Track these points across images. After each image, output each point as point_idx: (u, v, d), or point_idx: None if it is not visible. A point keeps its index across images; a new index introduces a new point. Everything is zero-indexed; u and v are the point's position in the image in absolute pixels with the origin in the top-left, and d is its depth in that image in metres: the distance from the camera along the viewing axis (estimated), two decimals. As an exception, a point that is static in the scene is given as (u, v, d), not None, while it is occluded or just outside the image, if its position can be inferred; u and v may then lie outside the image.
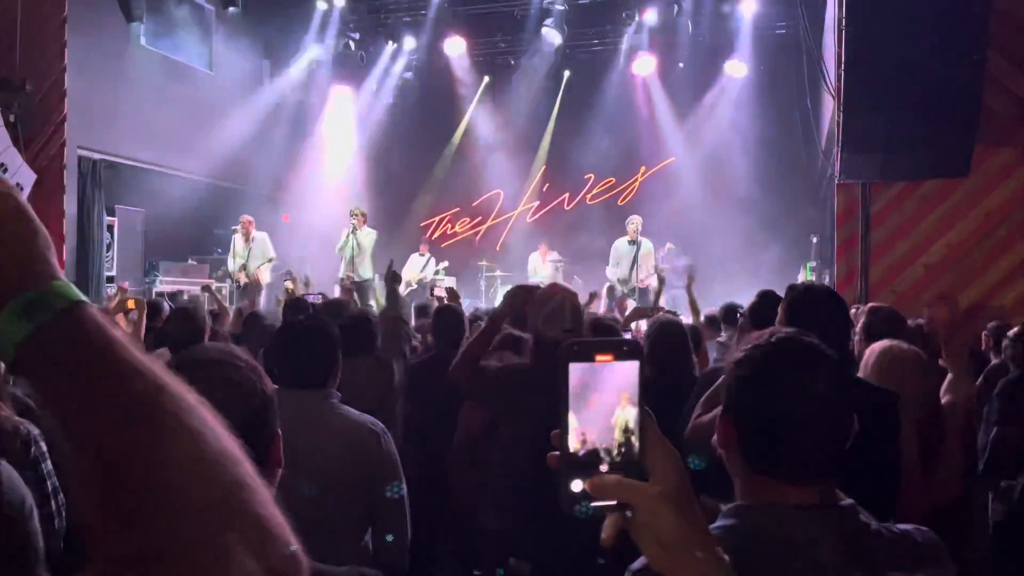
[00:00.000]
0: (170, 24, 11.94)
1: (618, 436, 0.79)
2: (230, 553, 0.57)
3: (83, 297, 0.64)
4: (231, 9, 11.76)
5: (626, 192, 14.04)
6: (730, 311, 5.67)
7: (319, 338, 2.74)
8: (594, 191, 14.26)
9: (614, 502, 0.78)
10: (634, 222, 10.74)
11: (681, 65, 13.12)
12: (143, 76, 11.15)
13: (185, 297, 9.96)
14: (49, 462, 2.58)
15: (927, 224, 7.22)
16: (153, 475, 0.58)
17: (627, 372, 0.80)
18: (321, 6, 13.28)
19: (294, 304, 5.61)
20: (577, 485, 0.78)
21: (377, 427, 2.71)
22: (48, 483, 2.55)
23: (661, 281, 7.33)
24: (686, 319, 5.42)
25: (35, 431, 2.56)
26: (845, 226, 7.55)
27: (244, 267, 10.58)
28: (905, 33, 6.10)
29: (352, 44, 13.80)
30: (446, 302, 5.47)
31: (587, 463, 0.79)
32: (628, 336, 4.17)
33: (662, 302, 6.71)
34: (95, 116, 10.07)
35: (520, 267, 12.84)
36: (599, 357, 0.79)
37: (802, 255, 10.72)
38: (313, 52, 13.75)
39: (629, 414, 0.79)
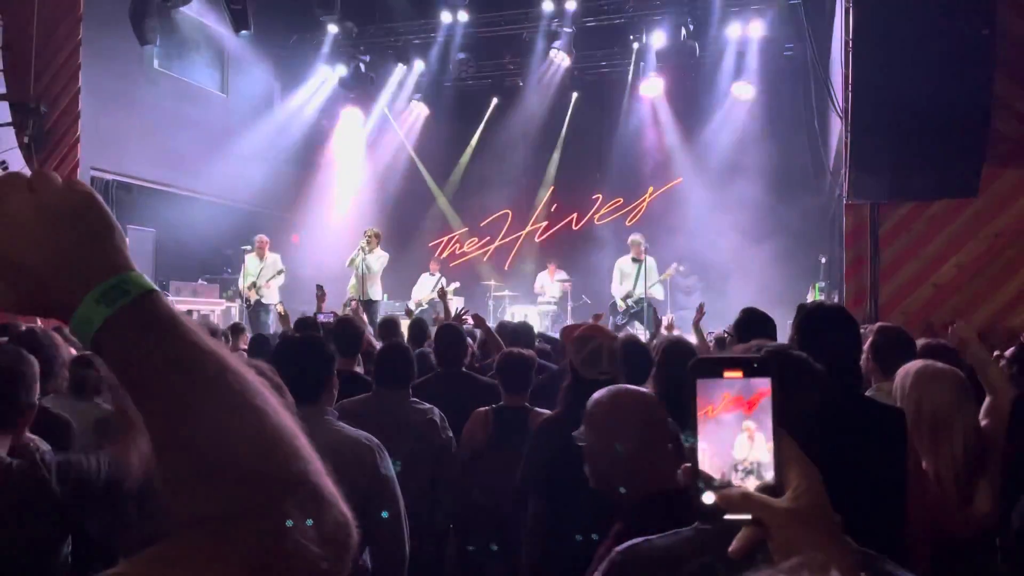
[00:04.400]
0: (183, 47, 12.10)
1: (751, 452, 0.79)
2: (288, 515, 0.64)
3: (156, 287, 0.70)
4: (243, 32, 11.90)
5: (634, 212, 14.06)
6: (721, 341, 5.69)
7: (313, 354, 2.77)
8: (602, 211, 14.29)
9: (748, 516, 0.78)
10: (638, 242, 10.74)
11: (689, 86, 13.19)
12: (156, 98, 11.28)
13: (195, 317, 9.98)
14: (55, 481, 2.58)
15: (936, 245, 7.20)
16: (218, 446, 0.65)
17: (758, 389, 0.80)
18: (332, 29, 13.43)
19: (302, 323, 5.63)
20: (709, 498, 0.79)
21: (372, 442, 2.72)
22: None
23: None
24: (693, 339, 5.44)
25: (44, 447, 2.52)
26: (854, 246, 7.53)
27: (254, 285, 10.63)
28: (912, 54, 6.12)
29: (362, 66, 13.93)
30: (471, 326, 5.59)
31: (718, 477, 0.79)
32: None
33: (667, 322, 6.76)
34: (108, 137, 10.18)
35: (528, 287, 12.86)
36: (728, 373, 0.80)
37: (811, 275, 10.69)
38: (324, 74, 13.90)
39: (761, 430, 0.80)
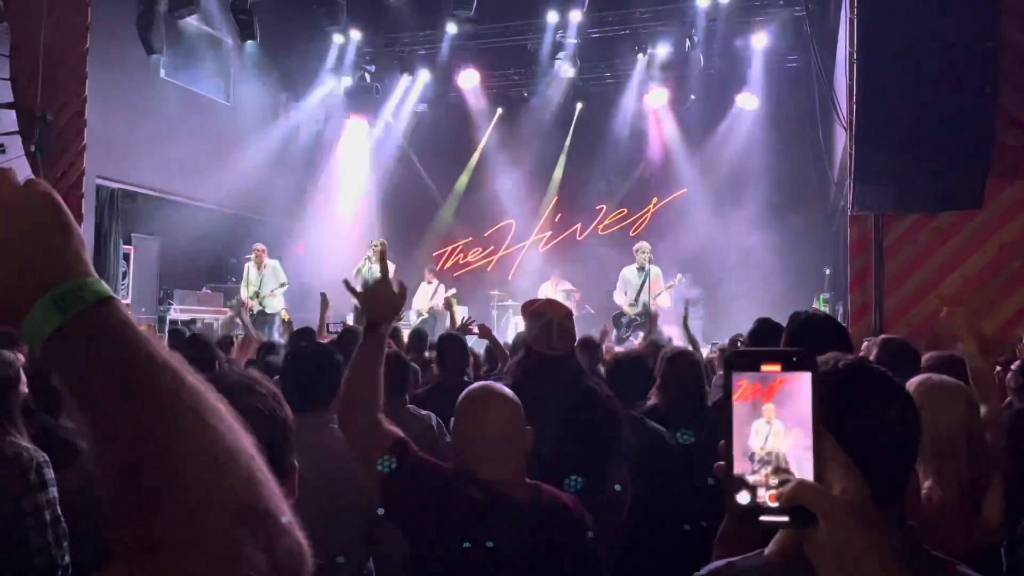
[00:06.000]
0: (189, 57, 12.15)
1: (788, 449, 0.75)
2: (239, 545, 0.60)
3: (113, 293, 0.66)
4: (249, 42, 11.96)
5: (638, 223, 14.07)
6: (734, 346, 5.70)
7: (323, 362, 2.80)
8: (606, 222, 14.30)
9: (784, 518, 0.74)
10: (644, 250, 10.72)
11: (693, 97, 13.21)
12: (162, 107, 11.32)
13: (198, 325, 10.01)
14: (54, 489, 2.52)
15: (941, 256, 7.19)
16: (168, 468, 0.61)
17: (797, 383, 0.76)
18: (337, 39, 13.50)
19: (302, 333, 5.66)
20: (744, 497, 0.75)
21: None
22: (47, 512, 2.48)
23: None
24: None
25: (41, 457, 2.51)
26: (858, 258, 7.52)
27: (256, 294, 10.65)
28: (917, 65, 6.12)
29: (367, 76, 13.99)
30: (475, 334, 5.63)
31: (754, 475, 0.75)
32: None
33: (672, 333, 6.79)
34: (114, 146, 10.21)
35: (531, 296, 12.83)
36: (766, 367, 0.76)
37: (815, 287, 10.68)
38: (329, 84, 13.95)
39: (800, 426, 0.75)
